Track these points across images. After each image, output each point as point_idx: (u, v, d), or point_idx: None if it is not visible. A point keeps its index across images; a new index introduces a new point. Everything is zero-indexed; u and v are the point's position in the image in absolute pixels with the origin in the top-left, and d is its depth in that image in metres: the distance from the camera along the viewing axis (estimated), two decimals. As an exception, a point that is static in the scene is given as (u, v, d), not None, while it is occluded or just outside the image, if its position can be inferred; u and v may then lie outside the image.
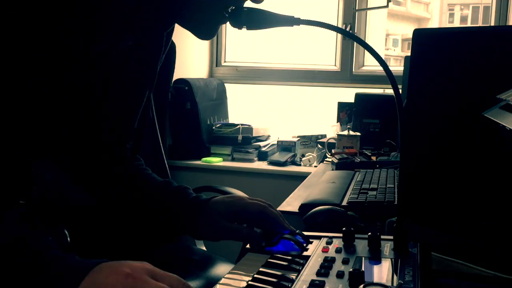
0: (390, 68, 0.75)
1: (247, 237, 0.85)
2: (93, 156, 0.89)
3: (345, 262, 0.69)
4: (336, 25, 0.81)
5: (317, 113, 2.92)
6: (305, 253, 0.75)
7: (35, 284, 0.60)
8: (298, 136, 2.67)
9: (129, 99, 0.93)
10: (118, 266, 0.60)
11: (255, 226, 0.88)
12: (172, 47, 2.33)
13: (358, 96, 2.44)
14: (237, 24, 0.80)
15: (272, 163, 2.54)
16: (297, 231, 0.82)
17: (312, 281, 0.63)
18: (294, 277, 0.65)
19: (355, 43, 2.78)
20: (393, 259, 0.71)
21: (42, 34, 0.70)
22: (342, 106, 2.60)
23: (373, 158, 1.93)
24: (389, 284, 0.62)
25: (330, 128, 2.49)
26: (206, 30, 0.86)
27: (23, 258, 0.62)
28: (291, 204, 1.28)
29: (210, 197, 0.93)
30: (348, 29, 2.73)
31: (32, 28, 0.69)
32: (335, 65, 2.86)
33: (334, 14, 2.82)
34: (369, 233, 0.75)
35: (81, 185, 0.92)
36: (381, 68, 0.75)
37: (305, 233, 0.82)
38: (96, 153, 0.88)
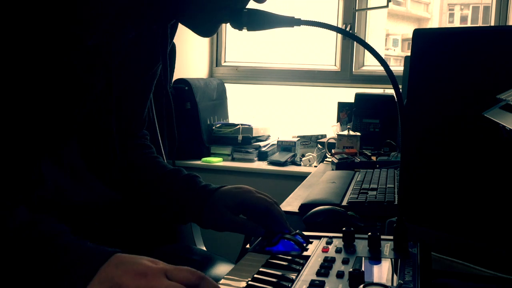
0: (390, 68, 0.75)
1: (252, 232, 0.85)
2: (100, 147, 0.89)
3: (345, 262, 0.69)
4: (336, 25, 0.81)
5: (317, 113, 2.92)
6: (305, 253, 0.75)
7: (49, 270, 0.59)
8: (298, 136, 2.67)
9: (135, 92, 0.93)
10: (132, 264, 0.59)
11: (258, 221, 0.88)
12: (172, 47, 2.33)
13: (358, 96, 2.44)
14: (238, 25, 0.80)
15: (272, 163, 2.54)
16: (297, 231, 0.82)
17: (312, 281, 0.63)
18: (294, 277, 0.66)
19: (355, 43, 2.78)
20: (393, 259, 0.71)
21: (42, 32, 0.69)
22: (342, 106, 2.61)
23: (373, 158, 1.93)
24: (389, 284, 0.62)
25: (330, 128, 2.49)
26: (207, 28, 0.86)
27: (36, 243, 0.61)
28: (291, 204, 1.28)
29: (219, 187, 0.94)
30: (348, 29, 2.73)
31: (33, 26, 0.69)
32: (335, 65, 2.86)
33: (334, 14, 2.82)
34: (369, 233, 0.75)
35: (93, 174, 0.92)
36: (381, 68, 0.75)
37: (305, 233, 0.82)
38: (103, 144, 0.89)
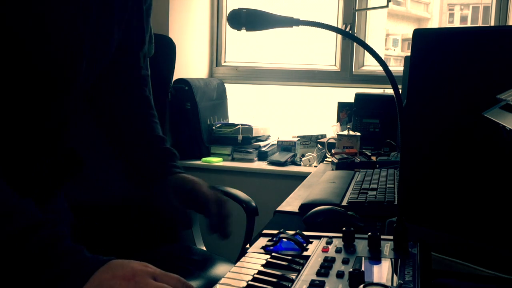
0: (390, 68, 0.75)
1: (181, 222, 0.95)
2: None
3: (345, 262, 0.69)
4: (335, 26, 0.81)
5: (317, 113, 2.92)
6: (305, 253, 0.75)
7: (44, 276, 0.61)
8: (298, 136, 2.67)
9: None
10: (121, 268, 0.61)
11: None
12: (172, 47, 2.34)
13: (358, 96, 2.44)
14: (237, 26, 0.80)
15: (272, 163, 2.54)
16: (297, 231, 0.82)
17: (312, 281, 0.63)
18: (294, 277, 0.66)
19: (355, 43, 2.78)
20: (393, 259, 0.71)
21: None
22: (342, 106, 2.60)
23: (373, 158, 1.93)
24: (389, 284, 0.62)
25: (330, 128, 2.49)
26: None
27: (35, 248, 0.62)
28: (291, 204, 1.28)
29: (180, 172, 0.99)
30: (348, 29, 2.73)
31: None
32: (335, 65, 2.86)
33: (334, 14, 2.82)
34: (369, 233, 0.75)
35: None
36: (381, 68, 0.75)
37: (305, 233, 0.82)
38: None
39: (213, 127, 2.66)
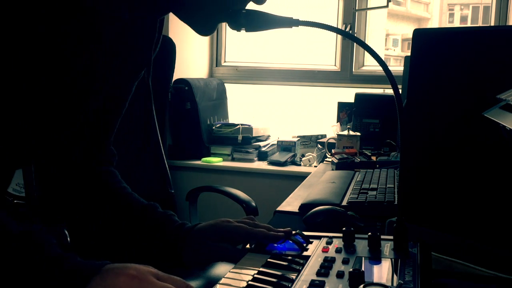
0: (390, 68, 0.75)
1: (236, 255, 0.81)
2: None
3: (345, 262, 0.69)
4: (335, 26, 0.81)
5: (317, 113, 2.92)
6: (305, 253, 0.75)
7: (42, 281, 0.60)
8: (298, 136, 2.67)
9: (119, 86, 0.89)
10: (124, 268, 0.61)
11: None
12: (172, 47, 2.34)
13: (358, 96, 2.44)
14: (236, 26, 0.79)
15: (272, 163, 2.54)
16: (297, 231, 0.82)
17: (312, 281, 0.63)
18: (294, 277, 0.66)
19: (355, 43, 2.78)
20: (393, 259, 0.71)
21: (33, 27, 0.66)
22: (342, 106, 2.61)
23: (373, 158, 1.93)
24: (389, 284, 0.62)
25: (330, 128, 2.49)
26: (205, 27, 0.84)
27: (29, 253, 0.61)
28: (291, 204, 1.28)
29: (195, 224, 0.89)
30: (348, 29, 2.73)
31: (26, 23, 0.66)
32: (335, 65, 2.86)
33: (334, 14, 2.82)
34: (369, 233, 0.75)
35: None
36: (381, 68, 0.75)
37: (305, 233, 0.82)
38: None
39: (213, 127, 2.66)
